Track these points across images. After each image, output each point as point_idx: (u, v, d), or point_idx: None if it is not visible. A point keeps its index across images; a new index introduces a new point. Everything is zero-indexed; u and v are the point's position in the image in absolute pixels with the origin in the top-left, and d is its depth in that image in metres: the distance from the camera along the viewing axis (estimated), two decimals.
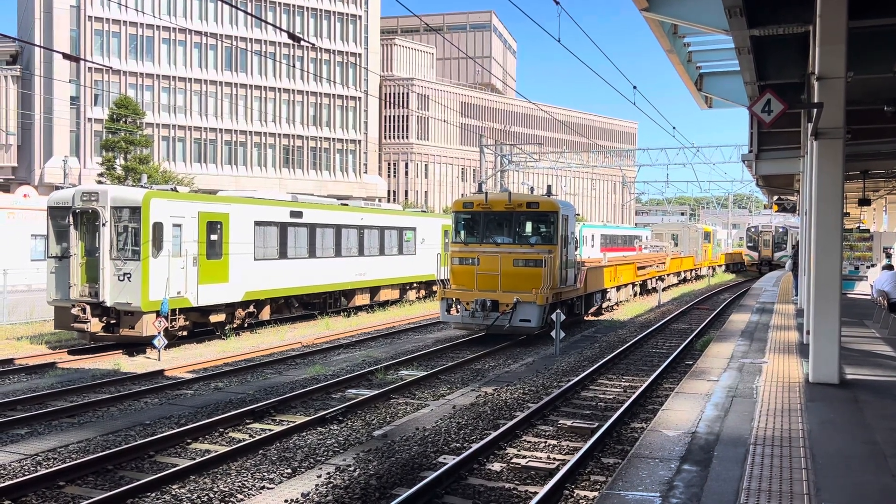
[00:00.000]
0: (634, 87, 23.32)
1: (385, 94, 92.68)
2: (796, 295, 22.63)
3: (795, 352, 13.02)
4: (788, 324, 17.29)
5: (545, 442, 10.64)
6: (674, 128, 39.87)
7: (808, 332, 11.34)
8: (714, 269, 56.54)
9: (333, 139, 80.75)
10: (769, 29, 12.56)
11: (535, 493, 8.33)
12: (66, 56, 14.10)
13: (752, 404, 9.04)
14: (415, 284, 31.74)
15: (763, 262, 57.96)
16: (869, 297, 23.72)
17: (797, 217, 36.57)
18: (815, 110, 9.77)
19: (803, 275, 17.91)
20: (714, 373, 11.20)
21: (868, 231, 29.48)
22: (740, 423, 8.13)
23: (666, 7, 14.05)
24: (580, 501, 8.32)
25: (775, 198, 36.50)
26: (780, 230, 58.21)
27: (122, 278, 18.14)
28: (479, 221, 20.85)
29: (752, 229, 59.93)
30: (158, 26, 69.68)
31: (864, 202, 27.05)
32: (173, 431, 10.84)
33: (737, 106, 20.69)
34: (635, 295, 33.91)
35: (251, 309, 22.03)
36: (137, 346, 18.75)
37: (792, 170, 21.99)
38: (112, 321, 18.44)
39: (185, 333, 19.80)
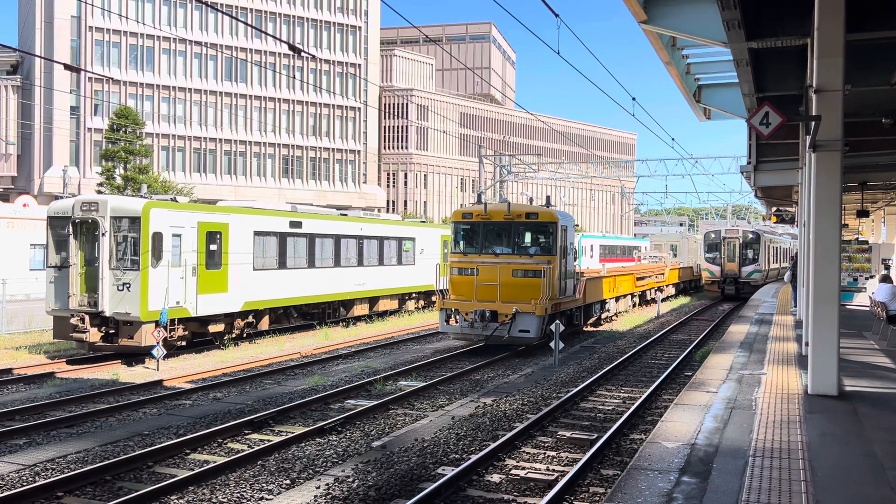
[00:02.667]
0: (633, 99, 23.41)
1: (384, 105, 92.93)
2: (795, 306, 22.64)
3: (794, 363, 13.02)
4: (787, 335, 17.29)
5: (544, 453, 10.63)
6: (672, 139, 40.11)
7: (806, 344, 11.34)
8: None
9: (333, 149, 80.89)
10: (767, 41, 12.64)
11: None
12: (66, 66, 14.16)
13: (752, 416, 9.03)
14: (414, 294, 31.73)
15: (727, 280, 40.94)
16: (868, 309, 23.74)
17: (795, 227, 36.61)
18: (814, 123, 9.82)
19: (802, 286, 17.93)
20: (713, 384, 11.20)
21: (867, 242, 29.53)
22: (739, 435, 8.13)
23: (665, 19, 14.13)
24: None
25: (774, 209, 36.59)
26: (751, 236, 41.77)
27: (121, 288, 18.14)
28: (478, 232, 20.87)
29: (713, 234, 42.80)
30: (159, 37, 69.90)
31: (863, 214, 27.11)
32: (172, 442, 10.82)
33: (735, 118, 20.77)
34: (634, 306, 33.91)
35: (250, 319, 22.02)
36: (136, 356, 18.73)
37: (790, 181, 22.06)
38: (111, 331, 18.43)
39: (183, 343, 19.79)
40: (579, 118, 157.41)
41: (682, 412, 9.33)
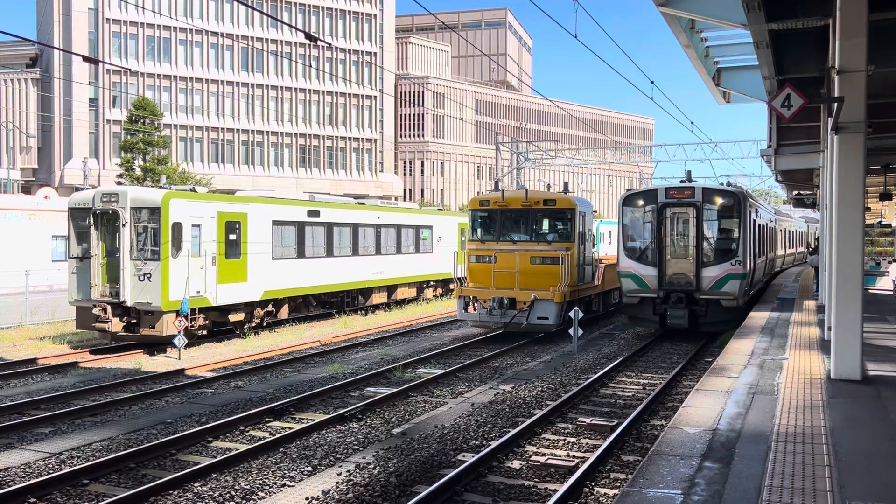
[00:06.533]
0: (652, 82, 23.20)
1: (400, 93, 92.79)
2: (817, 290, 22.43)
3: (817, 348, 12.91)
4: (809, 320, 17.14)
5: (564, 439, 10.62)
6: (692, 122, 39.74)
7: (829, 328, 11.24)
8: None
9: (349, 138, 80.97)
10: (788, 23, 12.47)
11: (555, 491, 8.32)
12: (84, 58, 14.21)
13: (774, 401, 8.97)
14: (431, 282, 31.76)
15: (671, 295, 19.63)
16: (891, 293, 23.48)
17: (816, 211, 36.17)
18: (836, 104, 9.68)
19: (824, 271, 17.76)
20: (734, 369, 11.13)
21: (889, 226, 29.19)
22: (762, 420, 8.08)
23: (683, 2, 13.98)
24: (600, 499, 8.30)
25: (794, 193, 36.22)
26: (721, 201, 19.70)
27: (142, 278, 18.29)
28: (495, 219, 20.83)
29: (640, 199, 20.52)
30: (175, 27, 70.15)
31: (886, 197, 26.75)
32: (194, 430, 10.92)
33: (756, 101, 20.53)
34: None
35: (270, 308, 22.15)
36: (158, 345, 18.90)
37: (812, 164, 21.81)
38: (133, 321, 18.61)
39: (204, 333, 19.94)
40: (597, 104, 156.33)
41: (704, 397, 9.28)
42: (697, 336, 19.79)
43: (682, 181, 20.69)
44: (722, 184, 22.23)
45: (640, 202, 20.19)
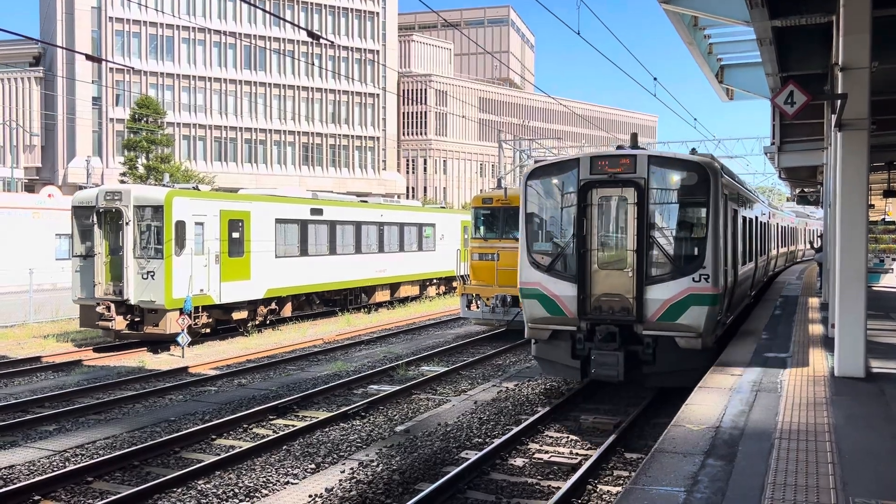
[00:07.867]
0: (655, 79, 23.11)
1: (403, 91, 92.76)
2: (820, 288, 22.38)
3: (820, 345, 12.88)
4: (813, 317, 17.10)
5: (567, 437, 10.62)
6: (695, 119, 39.61)
7: (832, 326, 11.21)
8: None
9: (352, 136, 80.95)
10: (791, 19, 12.42)
11: (558, 489, 8.33)
12: (87, 57, 14.20)
13: (777, 398, 8.96)
14: (434, 280, 31.77)
15: (597, 329, 11.74)
16: (894, 290, 23.44)
17: (820, 208, 36.04)
18: (839, 101, 9.65)
19: (829, 269, 17.70)
20: (738, 367, 11.10)
21: (893, 223, 29.11)
22: (765, 418, 8.06)
23: None
24: (603, 496, 8.31)
25: (798, 190, 36.14)
26: (676, 177, 12.06)
27: (145, 276, 18.32)
28: (498, 217, 20.82)
29: (552, 173, 12.76)
30: (178, 26, 70.17)
31: (890, 193, 26.64)
32: (198, 428, 10.95)
33: (759, 98, 20.47)
34: None
35: (273, 306, 22.17)
36: (161, 343, 18.93)
37: (815, 161, 21.75)
38: (136, 319, 18.64)
39: (208, 331, 19.98)
40: (600, 101, 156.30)
41: (707, 395, 9.27)
42: (636, 385, 12.86)
43: (618, 147, 13.20)
44: (693, 151, 13.99)
45: (554, 180, 12.88)
